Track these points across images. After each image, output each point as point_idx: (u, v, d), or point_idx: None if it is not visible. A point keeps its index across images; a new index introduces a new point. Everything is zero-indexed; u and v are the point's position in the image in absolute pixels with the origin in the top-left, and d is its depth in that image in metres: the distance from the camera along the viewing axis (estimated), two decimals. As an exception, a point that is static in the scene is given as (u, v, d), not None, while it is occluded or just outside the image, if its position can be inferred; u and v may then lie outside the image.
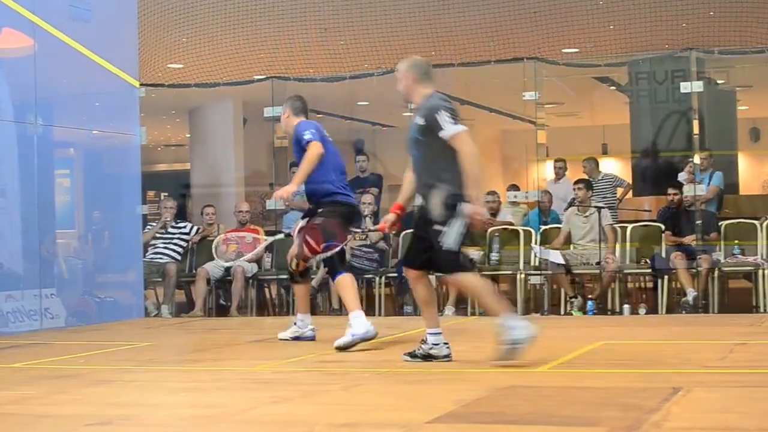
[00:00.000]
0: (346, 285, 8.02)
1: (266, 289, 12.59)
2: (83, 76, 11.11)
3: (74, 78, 11.18)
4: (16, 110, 10.40)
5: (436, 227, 6.45)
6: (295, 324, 8.44)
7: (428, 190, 6.57)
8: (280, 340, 8.43)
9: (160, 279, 11.96)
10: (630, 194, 13.71)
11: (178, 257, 12.21)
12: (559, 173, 13.30)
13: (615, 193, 13.05)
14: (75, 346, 8.62)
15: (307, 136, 8.00)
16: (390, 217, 7.01)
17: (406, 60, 7.09)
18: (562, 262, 10.93)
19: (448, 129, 6.48)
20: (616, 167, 16.78)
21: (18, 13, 10.25)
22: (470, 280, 6.68)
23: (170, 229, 12.31)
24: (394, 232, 8.74)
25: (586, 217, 11.35)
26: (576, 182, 11.78)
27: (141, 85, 11.81)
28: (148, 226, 12.41)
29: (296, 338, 8.37)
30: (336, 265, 8.07)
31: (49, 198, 11.14)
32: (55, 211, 11.53)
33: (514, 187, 12.94)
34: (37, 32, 10.42)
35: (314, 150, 7.91)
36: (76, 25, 10.79)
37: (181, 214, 14.45)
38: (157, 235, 12.28)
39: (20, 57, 10.64)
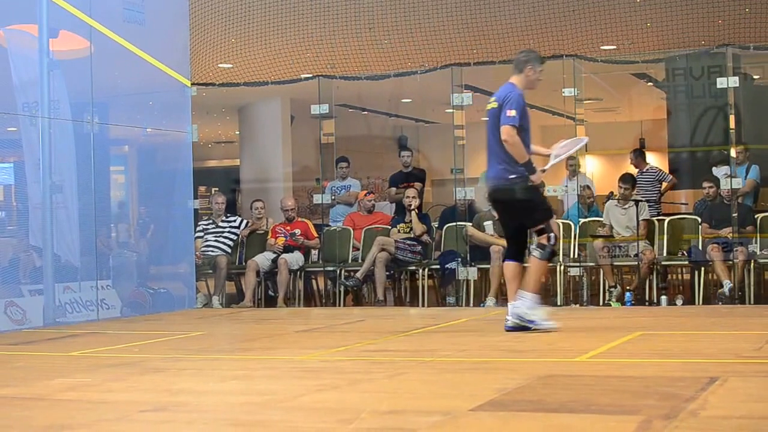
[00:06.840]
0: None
1: (313, 281, 12.72)
2: (137, 77, 11.31)
3: (129, 78, 11.42)
4: (73, 110, 10.59)
5: None
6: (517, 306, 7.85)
7: None
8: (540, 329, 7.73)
9: (211, 271, 12.14)
10: (668, 187, 13.71)
11: (229, 250, 12.37)
12: (572, 171, 12.61)
13: (657, 187, 12.89)
14: (130, 336, 8.74)
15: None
16: None
17: None
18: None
19: None
20: (653, 161, 16.79)
21: (74, 16, 10.49)
22: None
23: (221, 223, 12.51)
24: None
25: (624, 209, 11.51)
26: (621, 179, 11.64)
27: (192, 84, 11.99)
28: (201, 223, 12.62)
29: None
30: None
31: (105, 193, 11.35)
32: (111, 206, 11.80)
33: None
34: (93, 34, 10.64)
35: None
36: (130, 27, 10.98)
37: (231, 209, 14.64)
38: (209, 229, 12.54)
39: (77, 58, 10.86)
